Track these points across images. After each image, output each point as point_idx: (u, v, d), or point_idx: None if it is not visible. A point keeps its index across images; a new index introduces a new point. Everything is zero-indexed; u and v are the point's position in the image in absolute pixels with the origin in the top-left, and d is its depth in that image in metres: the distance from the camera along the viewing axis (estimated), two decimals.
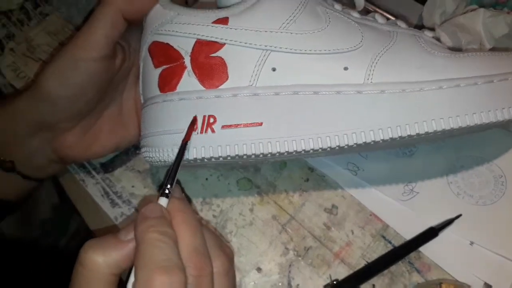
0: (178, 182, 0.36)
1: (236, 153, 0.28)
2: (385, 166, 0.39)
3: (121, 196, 0.38)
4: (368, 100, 0.28)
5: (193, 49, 0.29)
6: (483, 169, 0.39)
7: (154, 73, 0.30)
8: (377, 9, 0.46)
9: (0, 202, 0.35)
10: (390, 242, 0.36)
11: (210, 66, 0.29)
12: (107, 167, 0.39)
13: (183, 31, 0.30)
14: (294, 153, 0.29)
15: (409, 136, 0.28)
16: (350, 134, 0.28)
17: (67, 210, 0.70)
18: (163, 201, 0.25)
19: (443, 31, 0.39)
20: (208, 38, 0.29)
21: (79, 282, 0.23)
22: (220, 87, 0.29)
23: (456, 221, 0.36)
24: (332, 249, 0.36)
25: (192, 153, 0.28)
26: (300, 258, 0.35)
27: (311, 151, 0.29)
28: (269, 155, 0.29)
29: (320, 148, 0.28)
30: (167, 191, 0.25)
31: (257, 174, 0.39)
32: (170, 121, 0.29)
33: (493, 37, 0.39)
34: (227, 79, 0.29)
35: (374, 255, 0.35)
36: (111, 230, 0.36)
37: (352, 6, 0.38)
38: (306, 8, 0.30)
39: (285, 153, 0.29)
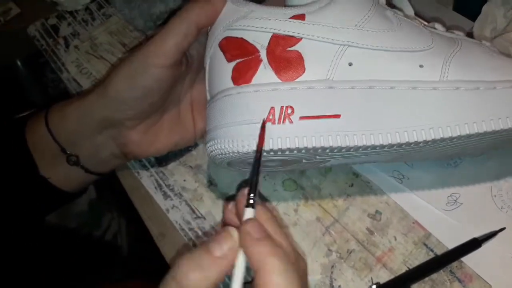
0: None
1: (314, 145, 0.28)
2: (430, 176, 0.40)
3: (173, 189, 0.40)
4: (444, 97, 0.29)
5: (269, 43, 0.30)
6: None
7: (226, 67, 0.31)
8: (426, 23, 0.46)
9: (60, 193, 0.38)
10: (432, 250, 0.37)
11: (286, 59, 0.30)
12: (161, 161, 0.41)
13: (259, 25, 0.31)
14: (369, 148, 0.30)
15: (484, 133, 0.29)
16: (428, 129, 0.29)
17: (101, 206, 0.74)
18: (249, 212, 0.25)
19: (495, 46, 0.40)
20: (285, 33, 0.30)
21: None
22: (297, 79, 0.30)
23: (499, 234, 0.36)
24: (374, 254, 0.37)
25: (268, 144, 0.29)
26: (342, 260, 0.36)
27: (387, 147, 0.29)
28: (344, 149, 0.29)
29: (397, 143, 0.29)
30: (252, 201, 0.25)
31: (302, 177, 0.40)
32: (246, 111, 0.29)
33: None
34: (303, 72, 0.30)
35: (415, 262, 0.36)
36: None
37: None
38: (377, 11, 0.32)
39: (361, 148, 0.29)
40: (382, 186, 0.39)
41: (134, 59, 0.33)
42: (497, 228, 0.37)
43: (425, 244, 0.37)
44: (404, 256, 0.36)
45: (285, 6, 0.33)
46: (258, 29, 0.31)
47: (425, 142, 0.29)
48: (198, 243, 0.37)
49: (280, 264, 0.23)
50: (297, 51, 0.30)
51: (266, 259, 0.23)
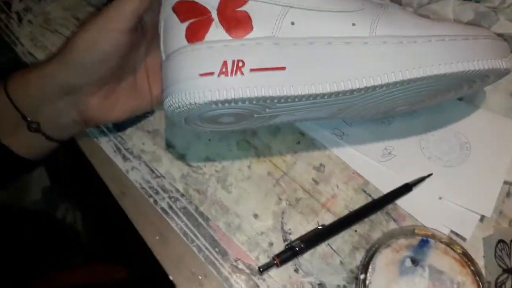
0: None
1: (263, 94, 0.32)
2: (367, 133, 0.44)
3: (132, 152, 0.42)
4: (373, 49, 0.34)
5: (219, 4, 0.33)
6: (450, 137, 0.45)
7: (180, 27, 0.34)
8: None
9: (21, 161, 0.39)
10: (370, 196, 0.41)
11: (236, 18, 0.33)
12: (119, 126, 0.43)
13: None
14: (311, 97, 0.33)
15: (408, 80, 0.34)
16: (361, 78, 0.33)
17: (56, 197, 0.73)
18: None
19: (418, 13, 0.45)
20: None
21: None
22: (246, 37, 0.33)
23: (427, 179, 0.42)
24: (319, 200, 0.41)
25: (223, 94, 0.31)
26: (291, 207, 0.40)
27: (327, 95, 0.33)
28: (290, 99, 0.33)
29: (335, 91, 0.33)
30: None
31: (254, 137, 0.43)
32: (200, 65, 0.32)
33: (461, 22, 0.45)
34: (252, 30, 0.33)
35: (356, 206, 0.40)
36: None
37: None
38: None
39: (304, 97, 0.33)
40: (325, 143, 0.44)
41: (93, 25, 0.34)
42: (425, 175, 0.42)
43: (364, 191, 0.42)
44: (346, 201, 0.41)
45: None
46: None
47: (359, 90, 0.34)
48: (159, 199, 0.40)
49: None
50: (245, 11, 0.34)
51: None
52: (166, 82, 0.34)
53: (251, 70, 0.32)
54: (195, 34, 0.33)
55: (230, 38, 0.33)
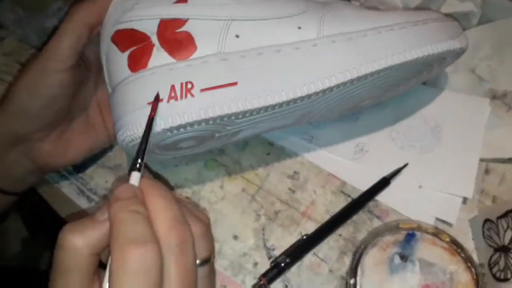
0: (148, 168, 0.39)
1: (218, 114, 0.30)
2: (336, 132, 0.43)
3: (96, 192, 0.40)
4: (323, 50, 0.33)
5: (158, 28, 0.32)
6: (420, 122, 0.44)
7: (121, 57, 0.32)
8: None
9: None
10: (349, 196, 0.40)
11: (177, 40, 0.32)
12: (79, 167, 0.40)
13: (145, 14, 0.32)
14: (269, 109, 0.32)
15: (364, 76, 0.33)
16: (315, 82, 0.32)
17: (38, 243, 0.70)
18: (134, 176, 0.25)
19: (365, 5, 0.44)
20: (171, 16, 0.32)
21: (59, 266, 0.23)
22: (191, 57, 0.32)
23: (404, 169, 0.41)
24: (299, 209, 0.39)
25: (175, 120, 0.30)
26: (271, 221, 0.39)
27: (284, 104, 0.32)
28: (247, 113, 0.31)
29: (292, 99, 0.32)
30: (138, 165, 0.25)
31: (222, 155, 0.42)
32: (147, 94, 0.30)
33: (409, 7, 0.44)
34: (196, 49, 0.32)
35: (337, 209, 0.39)
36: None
37: None
38: None
39: (262, 109, 0.32)
40: (295, 149, 0.42)
41: (31, 68, 0.33)
42: (401, 164, 0.41)
43: (342, 192, 0.40)
44: (326, 206, 0.39)
45: None
46: (145, 17, 0.32)
47: (316, 94, 0.33)
48: None
49: (130, 219, 0.22)
50: (186, 32, 0.32)
51: (118, 214, 0.22)
52: (115, 115, 0.32)
53: (202, 90, 0.31)
54: (137, 62, 0.32)
55: (175, 60, 0.32)
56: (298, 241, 0.37)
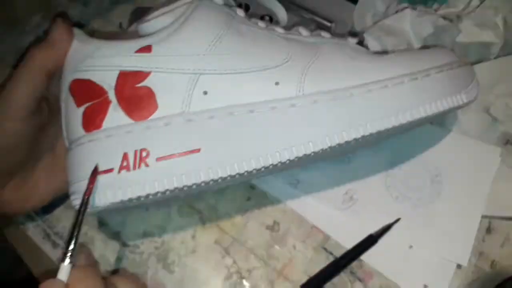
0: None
1: (175, 186, 0.27)
2: (324, 176, 0.39)
3: (62, 236, 0.38)
4: (303, 112, 0.29)
5: (117, 81, 0.29)
6: (419, 169, 0.39)
7: (77, 113, 0.29)
8: (314, 17, 0.45)
9: None
10: (331, 254, 0.37)
11: (137, 97, 0.28)
12: (47, 208, 0.38)
13: (104, 64, 0.29)
14: (237, 176, 0.28)
15: (346, 142, 0.29)
16: (290, 148, 0.28)
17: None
18: (63, 269, 0.25)
19: (368, 36, 0.39)
20: (132, 68, 0.29)
21: None
22: (150, 117, 0.28)
23: (395, 226, 0.37)
24: (275, 267, 0.36)
25: (126, 193, 0.27)
26: (244, 280, 0.36)
27: (254, 171, 0.28)
28: (211, 182, 0.28)
29: (262, 167, 0.28)
30: (69, 255, 0.26)
31: (199, 199, 0.39)
32: (99, 161, 0.28)
33: (421, 36, 0.39)
34: (156, 108, 0.28)
35: (316, 269, 0.36)
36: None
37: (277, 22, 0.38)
38: (230, 28, 0.31)
39: (228, 178, 0.28)
40: (279, 195, 0.39)
41: None
42: (393, 219, 0.37)
43: (324, 248, 0.37)
44: (304, 265, 0.36)
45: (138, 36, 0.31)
46: (104, 68, 0.29)
47: (290, 160, 0.29)
48: None
49: None
50: (147, 87, 0.29)
51: None
52: (69, 177, 0.29)
53: (158, 159, 0.27)
54: (91, 121, 0.28)
55: (132, 121, 0.28)
56: None
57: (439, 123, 0.40)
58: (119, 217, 0.38)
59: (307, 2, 0.45)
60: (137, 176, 0.27)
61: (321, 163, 0.39)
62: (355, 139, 0.29)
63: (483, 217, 0.37)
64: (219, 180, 0.28)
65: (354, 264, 0.36)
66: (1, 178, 0.32)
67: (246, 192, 0.39)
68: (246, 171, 0.28)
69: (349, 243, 0.37)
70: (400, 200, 0.38)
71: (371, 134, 0.29)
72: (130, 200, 0.27)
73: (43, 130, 0.33)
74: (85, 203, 0.26)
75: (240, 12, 0.33)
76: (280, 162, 0.28)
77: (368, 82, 0.29)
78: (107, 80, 0.29)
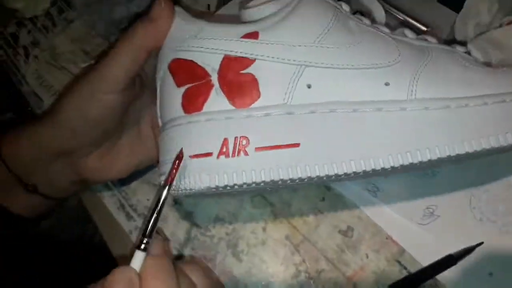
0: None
1: (272, 178, 0.26)
2: (406, 188, 0.38)
3: (136, 209, 0.38)
4: (413, 118, 0.27)
5: (220, 65, 0.28)
6: (508, 194, 0.37)
7: (176, 93, 0.28)
8: (409, 19, 0.44)
9: (22, 220, 0.36)
10: (405, 268, 0.35)
11: (240, 83, 0.28)
12: (124, 180, 0.39)
13: (209, 46, 0.28)
14: (333, 177, 0.27)
15: (457, 156, 0.27)
16: (396, 155, 0.27)
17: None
18: (137, 257, 0.24)
19: (474, 47, 0.37)
20: (237, 54, 0.28)
21: None
22: (252, 105, 0.27)
23: (477, 249, 0.35)
24: (345, 273, 0.35)
25: (223, 180, 0.26)
26: (312, 281, 0.35)
27: (353, 174, 0.27)
28: (306, 179, 0.27)
29: (362, 171, 0.27)
30: (144, 244, 0.25)
31: (272, 192, 0.38)
32: (197, 144, 0.27)
33: None
34: (259, 97, 0.27)
35: (388, 281, 0.35)
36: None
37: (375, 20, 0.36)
38: (339, 21, 0.29)
39: (324, 177, 0.27)
40: (355, 200, 0.37)
41: (81, 87, 0.31)
42: (475, 242, 0.35)
43: (398, 261, 0.35)
44: (376, 275, 0.35)
45: (238, 21, 0.30)
46: (208, 50, 0.28)
47: (393, 168, 0.27)
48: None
49: None
50: (251, 74, 0.28)
51: None
52: (161, 157, 0.29)
53: (257, 149, 0.26)
54: (192, 103, 0.28)
55: (233, 108, 0.27)
56: None
57: None
58: (192, 198, 0.38)
59: (401, 3, 0.44)
60: (235, 163, 0.26)
61: (404, 174, 0.38)
62: (467, 153, 0.27)
63: None
64: (315, 179, 0.27)
65: (429, 282, 0.34)
66: (88, 147, 0.33)
67: (320, 192, 0.38)
68: (345, 173, 0.27)
69: (424, 260, 0.35)
70: (484, 222, 0.36)
71: (482, 150, 0.27)
72: (225, 187, 0.27)
73: (132, 105, 0.33)
74: (167, 190, 0.26)
75: (346, 7, 0.32)
76: (382, 168, 0.27)
77: (484, 94, 0.28)
78: (211, 63, 0.28)
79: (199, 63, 0.28)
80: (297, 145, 0.27)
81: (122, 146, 0.35)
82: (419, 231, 0.36)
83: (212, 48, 0.28)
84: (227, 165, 0.26)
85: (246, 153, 0.26)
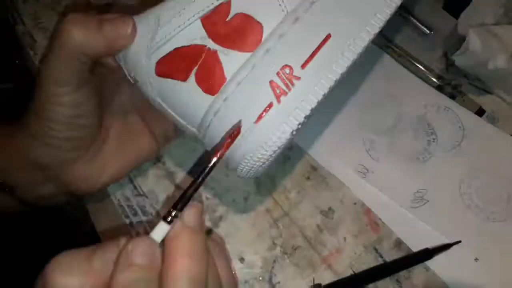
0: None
1: (335, 78, 0.24)
2: (397, 171, 0.38)
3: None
4: None
5: (205, 29, 0.25)
6: (498, 183, 0.37)
7: (189, 88, 0.25)
8: (412, 19, 0.44)
9: None
10: (381, 256, 0.35)
11: (236, 29, 0.25)
12: None
13: (178, 24, 0.25)
14: (369, 43, 0.25)
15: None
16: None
17: None
18: (161, 228, 0.21)
19: (474, 33, 0.37)
20: (210, 7, 0.25)
21: None
22: (263, 38, 0.25)
23: (463, 235, 0.35)
24: (320, 253, 0.35)
25: (299, 115, 0.23)
26: (286, 256, 0.34)
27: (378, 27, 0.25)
28: (352, 62, 0.25)
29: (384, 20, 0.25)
30: (172, 216, 0.21)
31: None
32: (251, 107, 0.24)
33: None
34: (262, 27, 0.25)
35: (362, 266, 0.34)
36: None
37: None
38: None
39: (362, 49, 0.25)
40: (344, 179, 0.37)
41: (37, 93, 0.26)
42: (462, 230, 0.36)
43: (375, 249, 0.35)
44: (351, 259, 0.35)
45: None
46: (181, 27, 0.25)
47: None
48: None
49: None
50: (238, 14, 0.25)
51: None
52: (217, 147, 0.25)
53: (302, 66, 0.24)
54: (212, 82, 0.25)
55: (249, 53, 0.25)
56: None
57: None
58: (177, 158, 0.37)
59: (407, 3, 0.44)
60: (297, 92, 0.24)
61: (395, 157, 0.38)
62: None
63: None
64: (357, 58, 0.25)
65: (402, 273, 0.34)
66: (69, 155, 0.29)
67: (306, 170, 0.37)
68: (375, 33, 0.25)
69: (410, 243, 0.35)
70: (471, 209, 0.36)
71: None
72: (305, 120, 0.24)
73: (112, 97, 0.31)
74: (217, 158, 0.23)
75: None
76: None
77: None
78: (195, 35, 0.25)
79: (186, 44, 0.25)
80: (328, 36, 0.24)
81: (110, 145, 0.31)
82: (408, 214, 0.36)
83: (183, 23, 0.25)
84: (292, 99, 0.24)
85: (297, 78, 0.24)
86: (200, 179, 0.22)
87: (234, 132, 0.24)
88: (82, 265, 0.20)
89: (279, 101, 0.23)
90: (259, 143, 0.24)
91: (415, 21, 0.44)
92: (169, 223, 0.21)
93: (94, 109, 0.28)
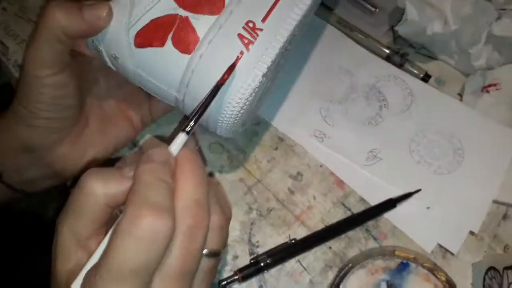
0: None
1: (292, 25, 0.28)
2: (351, 134, 0.41)
3: None
4: None
5: (175, 1, 0.28)
6: (443, 140, 0.41)
7: (167, 51, 0.28)
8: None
9: None
10: (349, 210, 0.38)
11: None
12: None
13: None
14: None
15: None
16: None
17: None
18: (179, 138, 0.24)
19: (411, 3, 0.41)
20: None
21: (73, 205, 0.23)
22: (226, 4, 0.28)
23: (415, 187, 0.38)
24: (293, 212, 0.37)
25: (266, 59, 0.27)
26: (262, 218, 0.37)
27: None
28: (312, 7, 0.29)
29: None
30: (189, 129, 0.24)
31: (228, 140, 0.40)
32: (224, 57, 0.27)
33: (458, 15, 0.41)
34: None
35: (333, 220, 0.37)
36: None
37: None
38: None
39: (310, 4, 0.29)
40: (304, 145, 0.40)
41: (22, 75, 0.29)
42: (413, 183, 0.39)
43: (343, 204, 0.38)
44: (322, 214, 0.37)
45: None
46: (155, 1, 0.28)
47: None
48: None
49: (154, 184, 0.21)
50: None
51: (144, 176, 0.22)
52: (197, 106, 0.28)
53: (263, 20, 0.28)
54: (187, 42, 0.28)
55: (216, 16, 0.28)
56: (285, 243, 0.36)
57: (471, 104, 0.42)
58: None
59: None
60: (262, 40, 0.27)
61: (349, 122, 0.41)
62: None
63: (501, 203, 0.38)
64: (308, 10, 0.29)
65: (370, 223, 0.37)
66: (54, 136, 0.31)
67: (274, 142, 0.40)
68: None
69: (369, 197, 0.38)
70: (421, 164, 0.40)
71: None
72: (272, 64, 0.27)
73: (86, 84, 0.33)
74: (215, 87, 0.26)
75: None
76: None
77: None
78: (167, 6, 0.28)
79: (160, 15, 0.28)
80: None
81: (91, 128, 0.34)
82: (363, 172, 0.39)
83: None
84: (259, 47, 0.27)
85: (260, 30, 0.27)
86: (207, 96, 0.26)
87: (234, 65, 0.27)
88: (116, 175, 0.23)
89: (248, 49, 0.27)
90: (237, 88, 0.27)
91: (362, 1, 0.49)
92: (187, 133, 0.24)
93: (75, 91, 0.31)
